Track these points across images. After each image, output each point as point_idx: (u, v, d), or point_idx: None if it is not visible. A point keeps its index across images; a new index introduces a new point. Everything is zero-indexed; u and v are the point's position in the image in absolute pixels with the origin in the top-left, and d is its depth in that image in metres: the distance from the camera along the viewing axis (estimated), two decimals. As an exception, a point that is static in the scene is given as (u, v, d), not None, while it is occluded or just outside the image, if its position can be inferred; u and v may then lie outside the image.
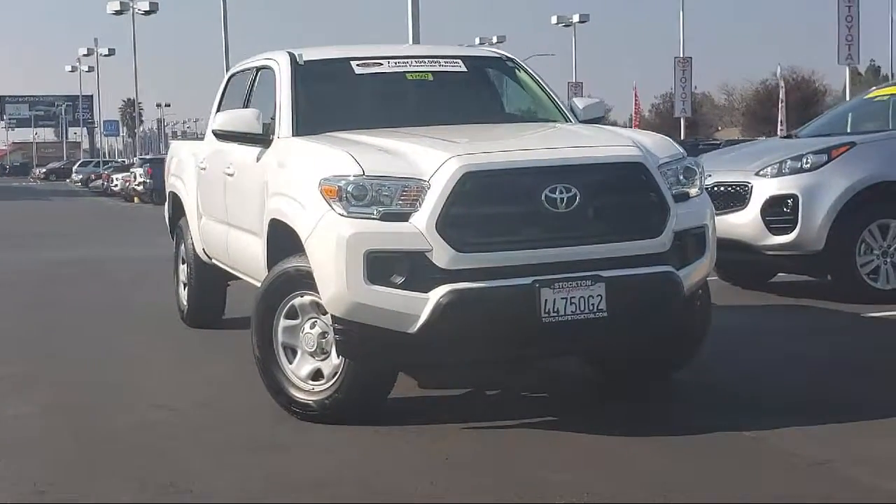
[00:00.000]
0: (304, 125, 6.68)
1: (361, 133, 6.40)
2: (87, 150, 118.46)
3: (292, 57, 7.15)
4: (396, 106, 7.23)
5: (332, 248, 5.56)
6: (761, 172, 9.52)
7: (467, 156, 5.56)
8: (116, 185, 48.85)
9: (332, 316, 5.71)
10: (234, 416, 6.34)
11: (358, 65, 7.19)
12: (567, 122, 7.21)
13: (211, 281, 8.97)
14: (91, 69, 76.68)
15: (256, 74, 7.69)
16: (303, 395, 6.02)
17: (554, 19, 59.53)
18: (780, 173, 9.48)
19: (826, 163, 9.38)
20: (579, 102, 7.39)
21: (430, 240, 5.42)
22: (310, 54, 7.25)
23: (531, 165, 5.63)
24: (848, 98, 42.81)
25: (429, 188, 5.48)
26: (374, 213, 5.54)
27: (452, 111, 7.14)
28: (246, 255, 7.21)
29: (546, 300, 5.47)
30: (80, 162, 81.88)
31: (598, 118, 7.39)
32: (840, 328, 8.55)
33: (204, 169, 8.35)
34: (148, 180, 40.43)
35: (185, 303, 9.34)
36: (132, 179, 43.83)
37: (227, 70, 29.89)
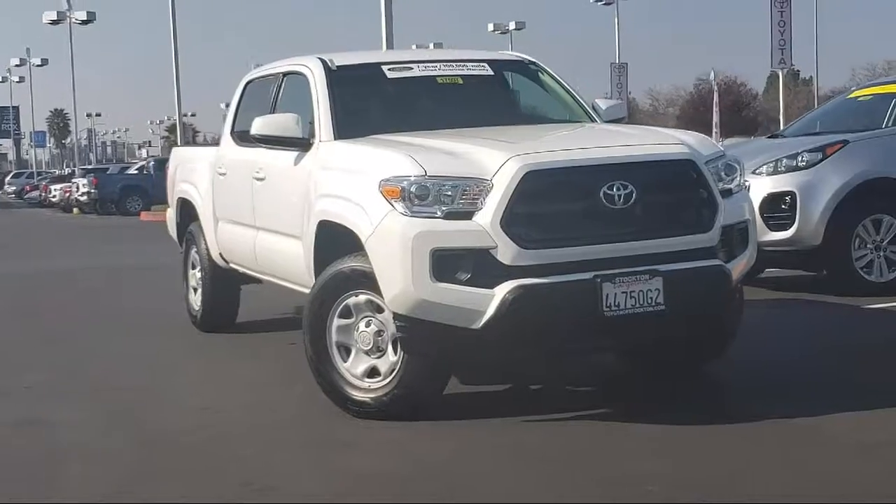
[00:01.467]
0: (344, 129, 6.79)
1: (404, 135, 6.54)
2: (12, 161, 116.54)
3: (324, 62, 7.25)
4: (430, 109, 7.36)
5: (398, 247, 5.68)
6: (757, 171, 9.77)
7: (527, 155, 5.72)
8: (55, 196, 48.34)
9: (395, 314, 5.82)
10: (284, 415, 6.43)
11: (389, 69, 7.31)
12: (593, 122, 7.39)
13: (225, 285, 9.05)
14: (22, 80, 75.60)
15: (282, 81, 7.77)
16: (359, 393, 6.12)
17: (490, 27, 59.89)
18: (776, 171, 9.75)
19: (821, 160, 9.67)
20: (602, 104, 7.57)
21: (495, 237, 5.56)
22: (339, 60, 7.36)
23: (590, 164, 5.80)
24: (781, 100, 43.81)
25: (491, 187, 5.62)
26: (438, 212, 5.67)
27: (484, 114, 7.29)
28: (280, 258, 7.30)
29: (607, 294, 5.64)
30: (12, 173, 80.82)
31: (619, 119, 7.59)
32: (848, 319, 8.81)
33: (223, 174, 8.40)
34: (93, 190, 40.08)
35: (196, 307, 9.38)
36: (74, 190, 43.39)
37: (177, 80, 29.85)
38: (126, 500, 5.00)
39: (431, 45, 63.18)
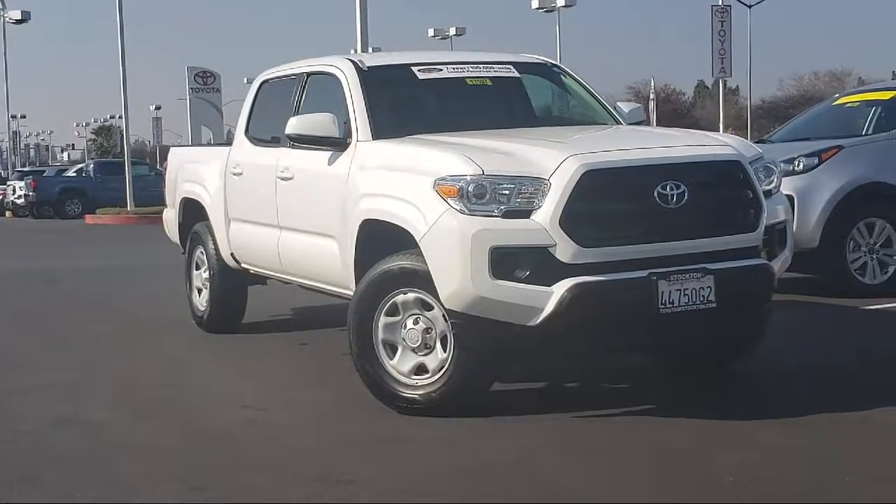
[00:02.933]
0: (381, 129, 6.83)
1: (446, 136, 6.60)
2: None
3: (355, 63, 7.28)
4: (462, 110, 7.42)
5: (456, 245, 5.74)
6: (753, 175, 9.94)
7: (584, 154, 5.81)
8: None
9: (450, 311, 5.88)
10: (328, 412, 6.47)
11: (419, 70, 7.36)
12: (619, 124, 7.51)
13: (234, 285, 9.03)
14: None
15: (306, 81, 7.78)
16: (407, 390, 6.17)
17: (431, 32, 60.00)
18: (772, 175, 9.94)
19: (817, 165, 9.90)
20: (624, 107, 7.70)
21: (554, 235, 5.65)
22: (369, 61, 7.39)
23: (645, 164, 5.91)
24: (721, 109, 44.50)
25: (549, 186, 5.70)
26: (496, 210, 5.74)
27: (515, 115, 7.40)
28: (311, 258, 7.31)
29: (663, 292, 5.75)
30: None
31: (639, 122, 7.72)
32: (855, 320, 9.01)
33: (239, 174, 8.39)
34: (30, 193, 39.47)
35: (202, 308, 9.34)
36: (9, 193, 42.71)
37: (124, 85, 29.42)
38: (207, 495, 5.00)
39: (370, 50, 63.48)
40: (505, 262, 5.70)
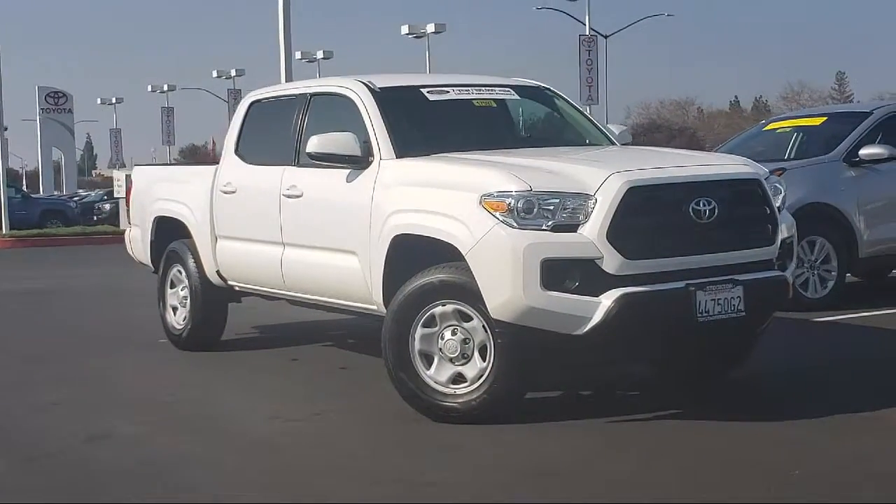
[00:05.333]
0: (404, 148, 7.07)
1: (468, 154, 6.92)
2: None
3: (367, 85, 7.49)
4: (474, 130, 7.72)
5: (508, 258, 6.02)
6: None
7: (627, 172, 6.17)
8: None
9: (497, 321, 6.14)
10: (365, 421, 6.64)
11: (428, 92, 7.63)
12: (613, 144, 7.90)
13: (216, 302, 9.10)
14: None
15: (309, 102, 7.95)
16: (447, 399, 6.40)
17: (298, 55, 59.95)
18: (720, 196, 10.47)
19: (762, 187, 10.44)
20: (614, 128, 8.11)
21: (601, 248, 5.98)
22: (379, 82, 7.60)
23: (681, 181, 6.31)
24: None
25: (595, 202, 6.03)
26: (543, 224, 6.04)
27: (523, 135, 7.73)
28: (325, 273, 7.45)
29: (700, 301, 6.14)
30: None
31: (627, 143, 8.14)
32: (812, 333, 9.56)
33: (231, 192, 8.48)
34: None
35: (178, 325, 9.36)
36: None
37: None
38: (289, 497, 5.16)
39: (233, 73, 63.08)
40: (555, 273, 6.00)
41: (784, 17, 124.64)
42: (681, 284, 6.12)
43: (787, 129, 11.96)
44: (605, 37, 52.12)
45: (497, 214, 6.11)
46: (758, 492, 5.06)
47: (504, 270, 6.05)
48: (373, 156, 7.10)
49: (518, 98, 8.01)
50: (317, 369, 8.42)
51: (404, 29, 49.33)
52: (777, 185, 6.90)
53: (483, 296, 6.16)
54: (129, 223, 10.28)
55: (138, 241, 10.02)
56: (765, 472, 5.34)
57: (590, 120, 8.20)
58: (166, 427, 6.70)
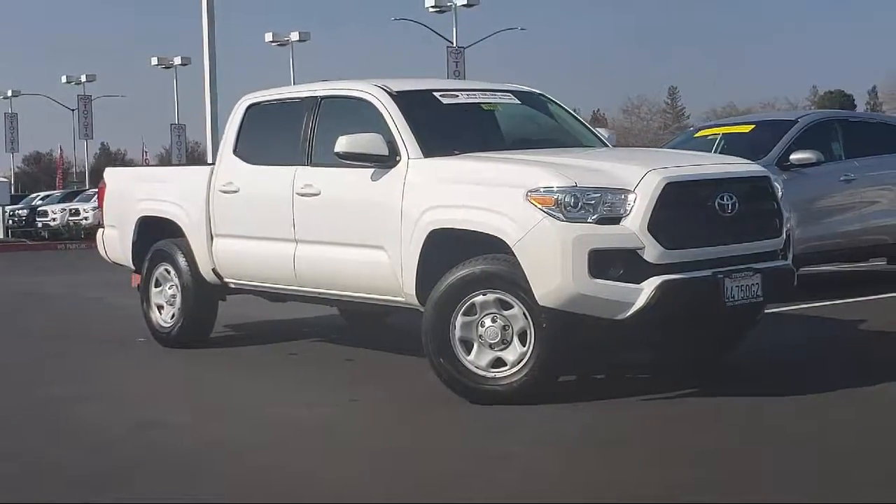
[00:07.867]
0: (430, 147, 7.48)
1: (494, 153, 7.41)
2: None
3: (385, 88, 7.86)
4: (484, 131, 8.17)
5: (557, 248, 6.50)
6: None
7: (663, 169, 6.72)
8: None
9: (543, 307, 6.60)
10: (405, 406, 6.99)
11: (441, 95, 8.05)
12: (606, 146, 8.46)
13: (208, 301, 9.32)
14: None
15: (319, 104, 8.26)
16: (488, 382, 6.84)
17: (154, 60, 59.33)
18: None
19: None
20: (604, 132, 8.68)
21: (643, 239, 6.51)
22: (394, 86, 7.97)
23: (709, 178, 6.94)
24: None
25: (635, 197, 6.55)
26: (589, 217, 6.54)
27: (532, 136, 8.23)
28: (350, 268, 7.75)
29: (727, 288, 6.72)
30: None
31: (615, 146, 8.74)
32: (780, 323, 10.18)
33: (233, 192, 8.71)
34: None
35: (165, 324, 9.53)
36: None
37: None
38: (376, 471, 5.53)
39: (84, 78, 61.92)
40: (602, 262, 6.50)
41: (625, 31, 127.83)
42: (708, 272, 6.69)
43: (716, 136, 12.70)
44: (464, 48, 53.05)
45: (544, 208, 6.58)
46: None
47: (554, 260, 6.52)
48: (399, 155, 7.47)
49: (518, 102, 8.49)
50: (323, 362, 8.72)
51: (268, 37, 49.41)
52: (776, 182, 7.54)
53: (531, 284, 6.61)
54: (102, 224, 10.37)
55: (114, 242, 10.12)
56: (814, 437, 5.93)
57: (583, 123, 8.74)
58: (209, 416, 6.93)
